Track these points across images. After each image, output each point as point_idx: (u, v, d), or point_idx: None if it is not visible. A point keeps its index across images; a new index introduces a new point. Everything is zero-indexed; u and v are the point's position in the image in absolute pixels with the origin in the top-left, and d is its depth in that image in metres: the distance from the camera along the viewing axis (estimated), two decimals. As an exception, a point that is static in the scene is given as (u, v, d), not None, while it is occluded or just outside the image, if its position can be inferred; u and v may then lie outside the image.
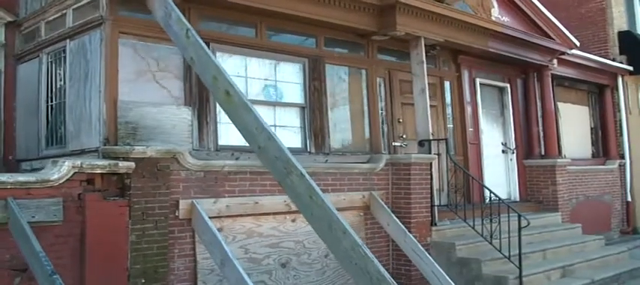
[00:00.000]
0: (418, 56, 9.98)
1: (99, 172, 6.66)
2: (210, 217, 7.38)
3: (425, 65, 9.93)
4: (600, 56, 15.32)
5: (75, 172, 6.47)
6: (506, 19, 11.56)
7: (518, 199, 12.56)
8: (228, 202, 7.68)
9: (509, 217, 9.02)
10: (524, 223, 8.86)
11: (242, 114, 6.10)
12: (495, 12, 11.35)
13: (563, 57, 13.13)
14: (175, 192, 7.24)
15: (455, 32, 10.58)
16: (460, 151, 11.58)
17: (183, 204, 7.27)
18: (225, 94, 6.26)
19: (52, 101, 8.45)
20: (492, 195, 9.41)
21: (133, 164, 6.78)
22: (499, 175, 12.47)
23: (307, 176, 5.54)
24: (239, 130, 6.52)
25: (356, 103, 10.04)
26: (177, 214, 7.24)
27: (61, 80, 8.35)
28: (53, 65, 8.47)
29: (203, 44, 6.50)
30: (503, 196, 12.34)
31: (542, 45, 12.22)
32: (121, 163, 6.75)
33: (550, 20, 12.31)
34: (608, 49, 16.03)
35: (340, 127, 9.72)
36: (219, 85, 6.31)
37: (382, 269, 4.97)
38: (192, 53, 6.64)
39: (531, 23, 12.16)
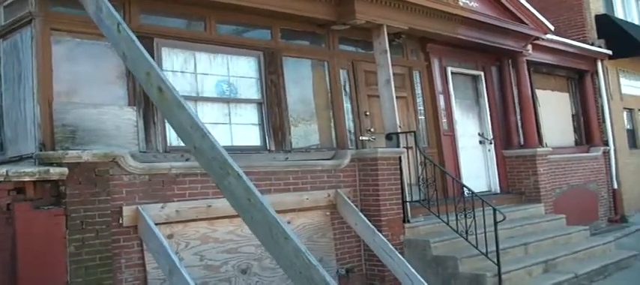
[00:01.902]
0: (381, 45, 9.46)
1: (28, 179, 6.12)
2: (158, 224, 6.85)
3: (389, 55, 9.41)
4: (578, 41, 14.86)
5: (0, 181, 5.93)
6: (475, 4, 11.05)
7: (498, 191, 12.03)
8: (177, 206, 7.11)
9: (484, 211, 8.48)
10: (500, 217, 8.34)
11: (176, 111, 5.59)
12: (463, -4, 10.85)
13: (538, 42, 12.64)
14: (118, 198, 6.69)
15: (420, 19, 10.06)
16: (433, 142, 11.05)
17: (127, 210, 6.71)
18: (158, 91, 5.74)
19: (-9, 106, 7.90)
20: (465, 188, 8.90)
21: (66, 170, 6.22)
22: (478, 166, 11.95)
23: (245, 177, 5.07)
24: (174, 130, 6.03)
25: (318, 97, 9.51)
26: (121, 221, 6.68)
27: (-3, 83, 7.79)
28: (-11, 67, 7.92)
29: (134, 38, 5.98)
30: (484, 188, 11.92)
31: (515, 30, 11.72)
32: (53, 170, 6.19)
33: (522, 5, 11.82)
34: (585, 34, 15.57)
35: (302, 123, 9.18)
36: (152, 81, 5.80)
37: (329, 278, 4.47)
38: (124, 48, 6.10)
39: (503, 8, 11.66)
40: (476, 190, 11.24)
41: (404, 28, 9.90)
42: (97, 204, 6.43)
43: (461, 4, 10.76)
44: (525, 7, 11.87)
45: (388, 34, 9.67)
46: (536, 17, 12.05)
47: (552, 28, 12.51)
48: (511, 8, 11.70)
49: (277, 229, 4.85)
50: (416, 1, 9.81)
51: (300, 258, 4.69)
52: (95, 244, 6.38)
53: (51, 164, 6.34)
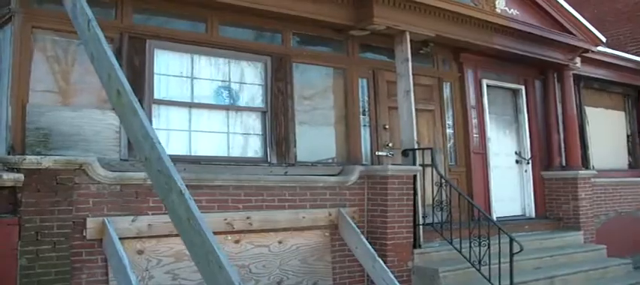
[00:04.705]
0: (403, 53, 8.75)
1: (-25, 185, 5.73)
2: (127, 238, 6.41)
3: (410, 64, 8.69)
4: (639, 55, 13.67)
5: (-53, 187, 5.58)
6: (515, 11, 10.19)
7: (533, 216, 11.09)
8: (151, 220, 6.59)
9: (499, 238, 7.71)
10: (516, 247, 7.56)
11: (130, 117, 5.17)
12: (501, 3, 9.98)
13: (588, 55, 11.61)
14: (83, 209, 6.22)
15: (449, 26, 9.28)
16: (462, 161, 10.24)
17: (91, 222, 6.23)
18: (116, 94, 5.36)
19: (-21, 106, 7.63)
20: (481, 212, 8.14)
21: (21, 176, 5.81)
22: (512, 188, 11.06)
23: (187, 195, 4.59)
24: (129, 137, 5.61)
25: (332, 108, 8.89)
26: (84, 233, 6.22)
27: (-17, 83, 7.52)
28: (-22, 66, 7.66)
29: (102, 38, 5.62)
30: (517, 212, 11.09)
31: (559, 41, 10.74)
32: (6, 176, 5.78)
33: (569, 13, 10.86)
34: (648, 47, 14.41)
35: (310, 135, 8.57)
36: (112, 83, 5.41)
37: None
38: (92, 48, 5.75)
39: (547, 17, 10.72)
40: (508, 214, 10.64)
41: (430, 36, 9.16)
42: (57, 214, 5.97)
43: (498, 10, 9.92)
44: (573, 16, 10.90)
45: (414, 41, 9.00)
46: (586, 27, 11.06)
47: (604, 39, 11.46)
48: (557, 17, 10.76)
49: (214, 257, 4.39)
50: (444, 6, 9.05)
51: (233, 292, 4.18)
52: (51, 258, 5.92)
53: (11, 170, 5.95)
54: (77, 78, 6.90)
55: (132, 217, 6.51)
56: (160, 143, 4.88)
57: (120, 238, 6.21)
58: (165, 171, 4.77)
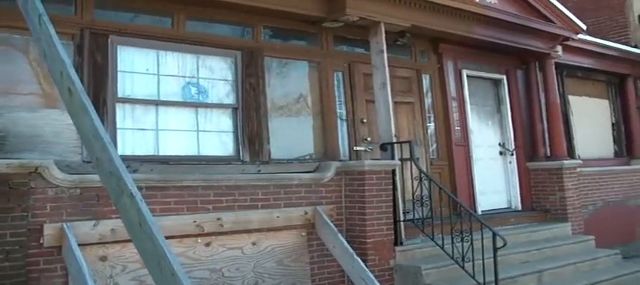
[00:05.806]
0: (378, 45, 8.45)
1: None
2: (89, 244, 6.05)
3: (385, 55, 8.39)
4: (619, 43, 13.47)
5: None
6: (493, 0, 9.92)
7: (520, 208, 10.82)
8: (114, 224, 6.19)
9: (482, 233, 7.43)
10: (500, 242, 7.28)
11: (81, 116, 4.86)
12: (480, -8, 9.72)
13: (570, 44, 11.38)
14: (40, 214, 5.85)
15: (425, 16, 8.98)
16: (444, 154, 9.95)
17: (48, 229, 5.85)
18: (68, 93, 5.05)
19: None
20: (462, 207, 7.85)
21: (-33, 183, 5.47)
22: (497, 180, 10.78)
23: (138, 198, 4.29)
24: (81, 137, 5.29)
25: (307, 103, 8.58)
26: (41, 241, 5.85)
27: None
28: None
29: (53, 33, 5.29)
30: (503, 204, 10.82)
31: (539, 29, 10.47)
32: (-49, 183, 5.45)
33: (548, 1, 10.60)
34: (628, 35, 14.18)
35: (285, 131, 8.25)
36: (64, 81, 5.09)
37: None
38: (44, 45, 5.42)
39: (526, 5, 10.45)
40: (494, 207, 10.40)
41: (406, 26, 8.87)
42: (10, 221, 5.60)
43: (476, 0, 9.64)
44: (551, 3, 10.63)
45: (390, 32, 8.73)
46: (565, 15, 10.80)
47: (584, 27, 11.19)
48: (535, 5, 10.49)
49: (165, 263, 4.09)
50: (419, -5, 8.78)
51: (187, 300, 3.88)
52: (4, 268, 5.53)
53: (-40, 176, 5.61)
54: (35, 77, 6.56)
55: (93, 222, 6.15)
56: (111, 144, 4.58)
57: (81, 245, 5.86)
58: (116, 173, 4.48)
